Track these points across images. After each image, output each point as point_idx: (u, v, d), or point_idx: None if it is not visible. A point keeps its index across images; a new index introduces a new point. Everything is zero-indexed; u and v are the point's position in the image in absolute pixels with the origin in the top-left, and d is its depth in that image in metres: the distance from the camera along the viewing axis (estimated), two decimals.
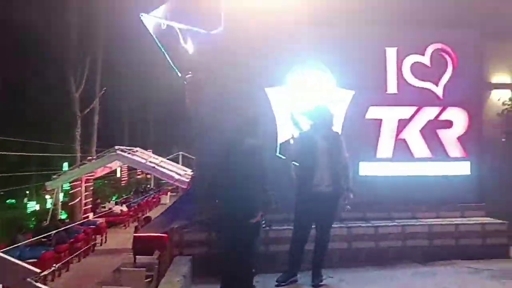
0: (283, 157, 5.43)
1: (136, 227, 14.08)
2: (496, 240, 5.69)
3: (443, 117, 6.12)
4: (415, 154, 6.11)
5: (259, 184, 4.29)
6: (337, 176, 4.69)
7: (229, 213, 4.23)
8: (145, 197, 27.91)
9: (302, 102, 5.80)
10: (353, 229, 5.58)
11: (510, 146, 5.91)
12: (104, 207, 21.97)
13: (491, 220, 5.87)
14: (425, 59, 6.15)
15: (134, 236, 6.10)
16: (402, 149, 6.11)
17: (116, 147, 18.20)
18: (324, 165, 4.65)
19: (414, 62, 6.13)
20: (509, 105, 5.56)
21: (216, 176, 4.50)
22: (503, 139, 5.50)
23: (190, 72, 6.93)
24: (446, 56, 6.17)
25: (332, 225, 4.91)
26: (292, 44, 5.98)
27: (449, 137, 6.12)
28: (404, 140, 6.11)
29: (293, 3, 5.95)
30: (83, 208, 19.03)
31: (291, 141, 5.66)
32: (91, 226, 15.94)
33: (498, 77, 6.39)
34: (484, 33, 6.24)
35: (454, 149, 6.13)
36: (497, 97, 6.16)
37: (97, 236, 16.22)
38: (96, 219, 18.17)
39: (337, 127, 5.76)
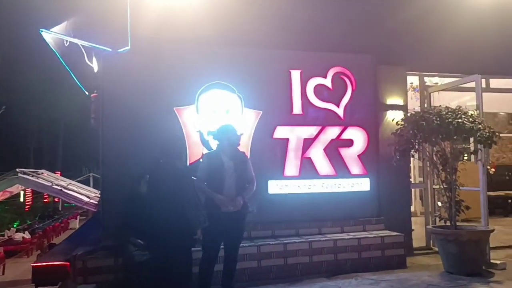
0: (194, 178, 5.38)
1: (39, 255, 13.11)
2: (394, 252, 6.06)
3: (345, 136, 6.46)
4: (320, 172, 6.36)
5: (193, 202, 4.45)
6: (242, 195, 4.73)
7: (171, 232, 4.34)
8: (52, 222, 26.10)
9: (210, 122, 5.84)
10: (262, 247, 5.64)
11: (403, 164, 6.37)
12: (3, 235, 20.17)
13: (389, 232, 6.24)
14: (327, 82, 6.49)
15: (33, 265, 5.65)
16: (308, 168, 6.34)
17: (18, 169, 16.92)
18: (230, 185, 4.68)
19: (317, 84, 6.44)
20: (402, 125, 5.99)
21: (151, 198, 4.59)
22: (397, 157, 5.90)
23: (95, 91, 6.71)
24: (346, 79, 6.56)
25: (240, 245, 4.93)
26: (200, 64, 6.02)
27: (351, 155, 6.47)
28: (309, 159, 6.34)
29: (201, 23, 6.02)
30: None
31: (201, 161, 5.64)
32: None
33: (392, 99, 6.89)
34: (379, 58, 6.75)
35: (355, 167, 6.49)
36: (392, 117, 6.64)
37: None
38: None
39: (243, 147, 5.87)
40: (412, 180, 9.16)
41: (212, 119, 5.91)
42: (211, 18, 6.06)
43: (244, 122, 6.08)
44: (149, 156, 5.36)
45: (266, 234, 6.05)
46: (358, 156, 6.50)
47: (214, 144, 5.13)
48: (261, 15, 6.29)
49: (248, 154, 5.89)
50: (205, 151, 5.76)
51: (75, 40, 5.88)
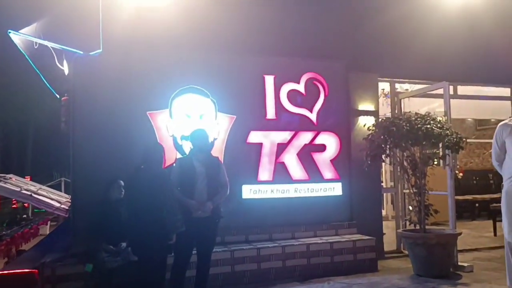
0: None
1: (6, 263, 12.68)
2: (366, 255, 6.13)
3: (317, 141, 6.53)
4: (294, 177, 6.41)
5: (170, 207, 4.49)
6: (213, 199, 4.72)
7: (150, 237, 4.39)
8: (21, 228, 25.37)
9: (184, 127, 5.82)
10: (236, 252, 5.63)
11: (374, 168, 6.48)
12: None
13: (361, 236, 6.32)
14: (300, 87, 6.55)
15: None
16: (281, 172, 6.37)
17: None
18: (201, 190, 4.67)
19: (291, 90, 6.49)
20: (373, 130, 6.09)
21: (130, 203, 4.66)
22: (368, 162, 5.99)
23: (66, 94, 6.59)
24: (319, 85, 6.64)
25: (213, 250, 4.91)
26: (174, 68, 5.99)
27: (323, 160, 6.54)
28: (283, 163, 6.38)
29: (176, 27, 6.00)
30: None
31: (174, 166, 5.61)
32: None
33: (363, 105, 7.00)
34: (351, 64, 6.86)
35: (328, 172, 6.56)
36: (363, 123, 6.75)
37: None
38: None
39: (217, 152, 5.87)
40: (383, 184, 9.32)
41: (186, 123, 5.89)
42: (185, 22, 6.04)
43: (218, 126, 6.08)
44: (120, 160, 5.37)
45: (239, 239, 6.05)
46: (331, 161, 6.58)
47: (187, 149, 5.11)
48: (236, 21, 6.30)
49: (222, 159, 5.89)
50: (179, 156, 5.74)
51: (45, 42, 5.78)
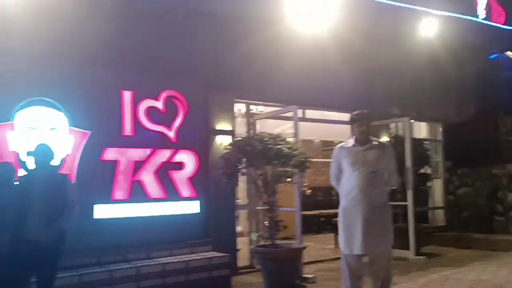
0: None
1: None
2: (220, 272, 6.23)
3: (176, 159, 6.54)
4: (151, 195, 6.30)
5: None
6: (56, 222, 4.35)
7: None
8: None
9: (29, 142, 5.34)
10: (85, 276, 5.30)
11: (230, 186, 6.70)
12: None
13: (216, 253, 6.43)
14: (159, 104, 6.52)
15: None
16: (138, 191, 6.21)
17: None
18: (39, 213, 4.27)
19: (149, 106, 6.41)
20: (229, 149, 6.31)
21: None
22: (224, 180, 6.18)
23: None
24: (178, 103, 6.68)
25: (55, 276, 4.50)
26: (22, 78, 5.51)
27: (181, 178, 6.56)
28: (140, 182, 6.24)
29: (25, 34, 5.57)
30: None
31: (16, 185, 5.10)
32: None
33: (221, 124, 7.22)
34: (210, 84, 7.03)
35: (186, 190, 6.58)
36: (220, 142, 6.96)
37: None
38: None
39: (68, 169, 5.53)
40: (240, 201, 9.64)
41: (32, 138, 5.41)
42: (37, 30, 5.63)
43: (69, 142, 5.72)
44: None
45: (90, 261, 5.68)
46: (189, 179, 6.61)
47: (32, 166, 4.71)
48: (92, 33, 6.03)
49: (74, 177, 5.55)
50: (23, 173, 5.24)
51: None
